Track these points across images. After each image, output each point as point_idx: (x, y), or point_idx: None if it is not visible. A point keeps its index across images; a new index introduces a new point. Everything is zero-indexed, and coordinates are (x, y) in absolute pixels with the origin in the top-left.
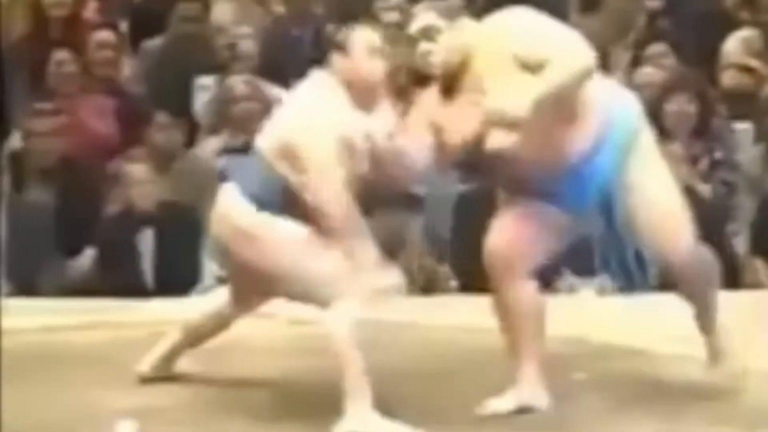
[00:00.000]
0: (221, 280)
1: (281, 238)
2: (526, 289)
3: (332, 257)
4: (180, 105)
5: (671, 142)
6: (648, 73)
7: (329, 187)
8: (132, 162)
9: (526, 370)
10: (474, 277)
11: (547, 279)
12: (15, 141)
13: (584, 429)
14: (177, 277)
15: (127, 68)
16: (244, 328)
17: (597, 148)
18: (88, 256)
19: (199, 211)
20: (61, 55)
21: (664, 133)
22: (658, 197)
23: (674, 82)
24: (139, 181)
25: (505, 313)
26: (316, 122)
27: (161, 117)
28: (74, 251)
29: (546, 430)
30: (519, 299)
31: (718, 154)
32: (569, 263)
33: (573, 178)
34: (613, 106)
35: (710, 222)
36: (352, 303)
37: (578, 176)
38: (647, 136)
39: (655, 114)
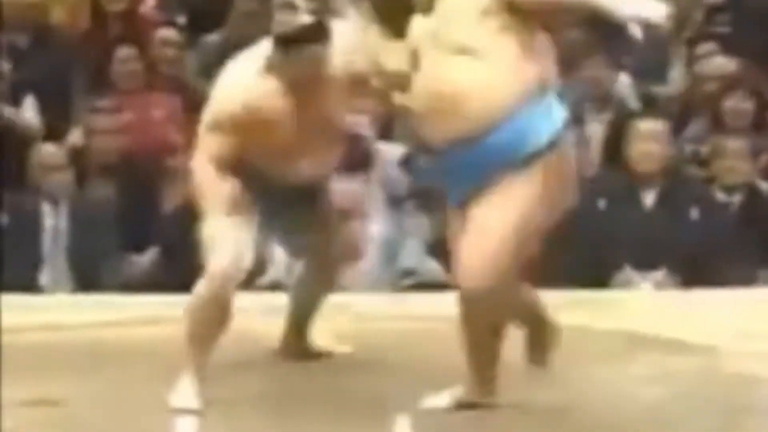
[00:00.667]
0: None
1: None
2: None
3: (216, 225)
4: None
5: (732, 139)
6: (720, 64)
7: (199, 156)
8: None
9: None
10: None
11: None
12: (77, 137)
13: (645, 425)
14: None
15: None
16: None
17: (504, 125)
18: (150, 252)
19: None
20: (125, 51)
21: (722, 128)
22: (488, 223)
23: (732, 78)
24: None
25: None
26: (219, 92)
27: None
28: (136, 247)
29: (605, 427)
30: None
31: None
32: (628, 257)
33: (474, 150)
34: (542, 113)
35: None
36: (212, 277)
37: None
38: (540, 167)
39: (713, 109)
